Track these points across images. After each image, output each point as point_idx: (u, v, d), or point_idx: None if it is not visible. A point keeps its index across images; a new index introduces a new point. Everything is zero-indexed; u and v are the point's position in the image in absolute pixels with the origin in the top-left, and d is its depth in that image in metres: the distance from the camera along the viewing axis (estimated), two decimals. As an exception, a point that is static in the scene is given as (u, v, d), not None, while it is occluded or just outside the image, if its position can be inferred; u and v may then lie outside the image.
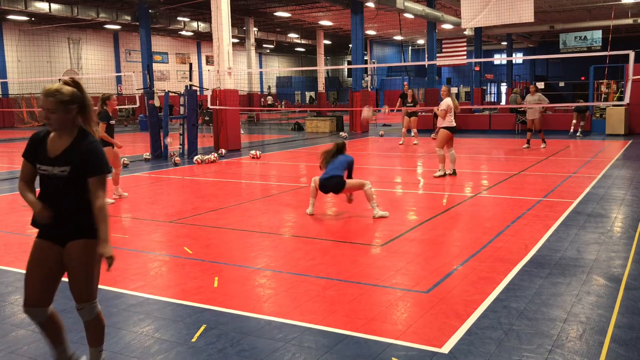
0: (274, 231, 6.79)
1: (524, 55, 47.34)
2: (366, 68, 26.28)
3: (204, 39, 40.44)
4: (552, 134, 18.71)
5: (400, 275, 5.04)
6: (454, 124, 10.73)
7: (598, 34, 31.71)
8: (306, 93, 48.68)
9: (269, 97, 41.99)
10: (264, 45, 43.96)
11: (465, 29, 29.32)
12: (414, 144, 17.20)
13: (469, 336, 3.75)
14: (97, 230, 3.03)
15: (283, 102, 43.19)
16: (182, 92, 15.31)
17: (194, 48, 43.10)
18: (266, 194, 9.34)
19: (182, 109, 14.99)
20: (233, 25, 26.76)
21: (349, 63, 37.52)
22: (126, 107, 27.75)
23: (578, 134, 19.03)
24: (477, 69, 35.30)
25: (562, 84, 34.95)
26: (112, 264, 3.05)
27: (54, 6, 25.20)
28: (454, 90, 39.66)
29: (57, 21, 29.83)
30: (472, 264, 5.31)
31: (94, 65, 34.30)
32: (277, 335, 3.83)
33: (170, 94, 15.61)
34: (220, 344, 3.71)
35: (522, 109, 18.82)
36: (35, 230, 3.16)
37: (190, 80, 18.31)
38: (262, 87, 47.84)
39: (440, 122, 10.77)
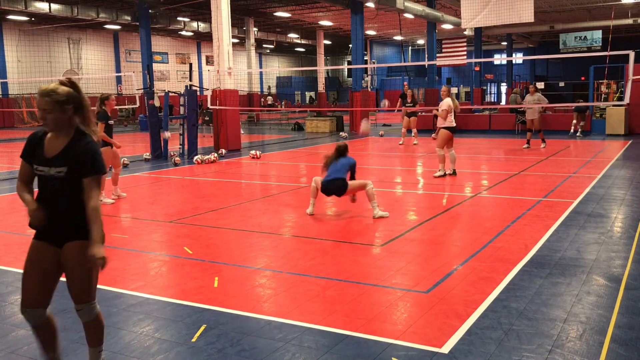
0: (274, 231, 6.78)
1: (524, 55, 47.35)
2: (366, 68, 26.28)
3: (204, 39, 40.44)
4: (552, 134, 18.71)
5: (400, 275, 5.04)
6: (454, 124, 10.74)
7: (598, 34, 31.71)
8: (306, 93, 48.68)
9: (269, 97, 41.98)
10: (264, 45, 43.96)
11: (465, 29, 29.33)
12: (414, 144, 17.20)
13: (469, 336, 3.75)
14: (90, 231, 2.99)
15: (283, 102, 43.19)
16: (182, 92, 15.31)
17: (194, 48, 43.10)
18: (266, 194, 9.34)
19: (182, 109, 14.99)
20: (233, 25, 26.76)
21: (349, 63, 37.52)
22: (126, 107, 27.74)
23: (578, 134, 19.03)
24: (477, 69, 35.30)
25: (562, 84, 34.94)
26: (104, 265, 3.00)
27: (54, 6, 25.21)
28: (454, 90, 39.63)
29: (57, 21, 29.84)
30: (472, 264, 5.31)
31: (94, 66, 34.30)
32: (277, 335, 3.83)
33: (170, 94, 15.60)
34: (220, 344, 3.71)
35: (522, 109, 18.82)
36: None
37: (190, 80, 18.30)
38: (262, 87, 47.84)
39: (441, 122, 10.77)
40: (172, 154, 14.37)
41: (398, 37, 42.01)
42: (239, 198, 9.07)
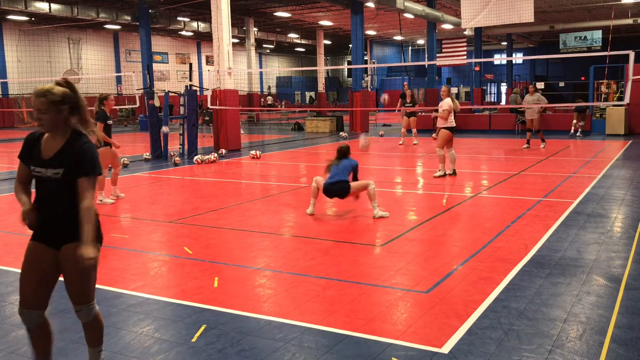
0: (274, 231, 6.78)
1: (524, 55, 47.33)
2: (366, 68, 26.29)
3: (204, 39, 40.44)
4: (552, 134, 18.71)
5: (400, 275, 5.04)
6: (454, 124, 10.74)
7: (598, 34, 31.71)
8: (306, 93, 48.68)
9: (269, 97, 41.99)
10: (264, 45, 43.96)
11: (465, 29, 29.32)
12: (414, 144, 17.20)
13: (469, 336, 3.75)
14: (81, 231, 2.91)
15: (283, 102, 43.19)
16: (182, 92, 15.31)
17: (194, 48, 43.10)
18: (266, 194, 9.33)
19: (182, 109, 14.99)
20: (233, 25, 26.75)
21: (349, 63, 37.52)
22: (126, 107, 27.73)
23: (578, 134, 19.03)
24: (477, 69, 35.30)
25: (562, 84, 34.93)
26: (93, 266, 2.97)
27: (54, 6, 25.20)
28: (454, 90, 39.64)
29: (57, 21, 29.83)
30: (472, 264, 5.31)
31: (94, 65, 34.30)
32: (277, 335, 3.83)
33: (170, 94, 15.60)
34: (220, 344, 3.71)
35: (522, 109, 18.83)
36: None
37: (190, 80, 18.30)
38: (262, 87, 47.83)
39: (441, 123, 10.76)
40: (172, 154, 14.37)
41: (398, 37, 42.00)
42: (239, 198, 9.07)
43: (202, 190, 10.07)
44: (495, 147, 16.65)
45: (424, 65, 35.62)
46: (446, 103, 10.59)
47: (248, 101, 35.16)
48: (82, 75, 31.43)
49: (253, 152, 14.50)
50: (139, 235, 6.79)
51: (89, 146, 3.02)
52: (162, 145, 14.81)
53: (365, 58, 33.02)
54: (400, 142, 17.52)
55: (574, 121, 19.31)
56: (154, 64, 30.52)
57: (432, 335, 3.77)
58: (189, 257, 5.74)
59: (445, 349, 3.58)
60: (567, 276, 4.92)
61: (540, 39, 45.24)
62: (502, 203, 8.27)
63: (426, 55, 32.02)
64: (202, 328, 3.96)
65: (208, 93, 16.26)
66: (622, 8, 28.71)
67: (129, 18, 28.52)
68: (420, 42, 46.46)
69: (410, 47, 50.84)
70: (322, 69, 38.12)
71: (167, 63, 40.42)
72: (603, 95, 21.92)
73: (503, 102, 43.62)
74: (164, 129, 14.50)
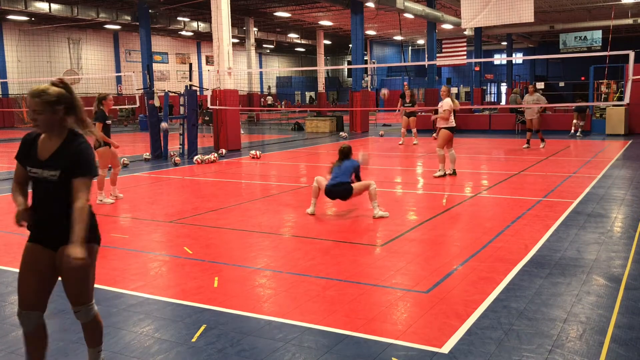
0: (274, 231, 6.78)
1: (524, 55, 47.34)
2: (366, 68, 26.28)
3: (204, 39, 40.43)
4: (552, 134, 18.71)
5: (400, 275, 5.04)
6: (454, 124, 10.74)
7: (598, 34, 31.70)
8: (306, 93, 48.68)
9: (269, 97, 41.99)
10: (264, 45, 43.96)
11: (465, 29, 29.32)
12: (414, 144, 17.21)
13: (469, 336, 3.75)
14: (72, 231, 2.88)
15: (283, 102, 43.19)
16: (182, 92, 15.31)
17: (194, 48, 43.10)
18: (266, 194, 9.33)
19: (182, 109, 14.99)
20: (233, 25, 26.75)
21: (349, 63, 37.52)
22: (126, 107, 27.73)
23: (578, 134, 19.03)
24: (477, 69, 35.30)
25: (562, 84, 34.94)
26: (89, 265, 2.96)
27: (54, 6, 25.20)
28: (454, 90, 39.63)
29: (57, 21, 29.83)
30: (472, 264, 5.31)
31: (94, 65, 34.29)
32: (277, 335, 3.83)
33: (170, 94, 15.60)
34: (220, 344, 3.71)
35: (522, 109, 18.82)
36: None
37: (190, 80, 18.31)
38: (262, 87, 47.83)
39: (441, 123, 10.76)
40: (172, 154, 14.37)
41: (398, 37, 42.00)
42: (239, 198, 9.07)
43: (202, 190, 10.06)
44: (495, 147, 16.65)
45: (424, 65, 35.63)
46: (446, 103, 10.59)
47: (248, 101, 35.16)
48: (82, 75, 31.44)
49: (253, 152, 14.50)
50: (139, 235, 6.79)
51: (85, 147, 3.00)
52: (162, 145, 14.81)
53: (365, 58, 33.03)
54: (400, 142, 17.52)
55: (574, 121, 19.31)
56: (154, 64, 30.50)
57: (432, 335, 3.77)
58: (189, 257, 5.73)
59: (445, 349, 3.58)
60: (567, 276, 4.92)
61: (540, 39, 45.25)
62: (502, 203, 8.27)
63: (426, 55, 32.03)
64: (202, 328, 3.96)
65: (208, 93, 16.26)
66: (622, 8, 28.71)
67: (129, 18, 28.52)
68: (420, 42, 46.46)
69: (410, 47, 50.85)
70: (322, 69, 38.12)
71: (167, 63, 40.42)
72: (603, 95, 21.92)
73: (503, 102, 43.63)
74: (163, 125, 14.47)
